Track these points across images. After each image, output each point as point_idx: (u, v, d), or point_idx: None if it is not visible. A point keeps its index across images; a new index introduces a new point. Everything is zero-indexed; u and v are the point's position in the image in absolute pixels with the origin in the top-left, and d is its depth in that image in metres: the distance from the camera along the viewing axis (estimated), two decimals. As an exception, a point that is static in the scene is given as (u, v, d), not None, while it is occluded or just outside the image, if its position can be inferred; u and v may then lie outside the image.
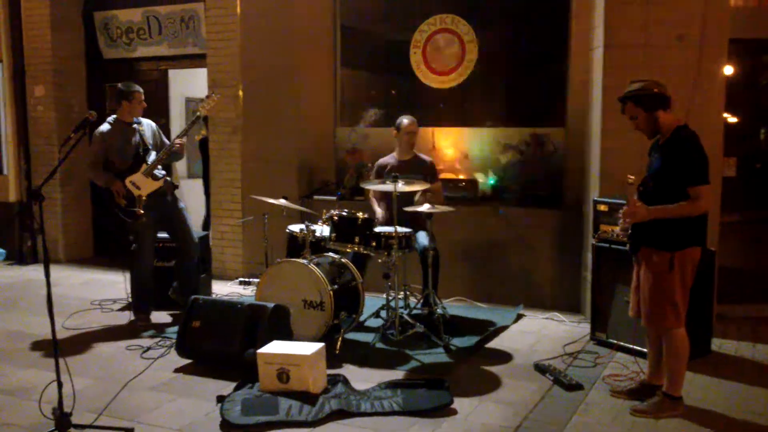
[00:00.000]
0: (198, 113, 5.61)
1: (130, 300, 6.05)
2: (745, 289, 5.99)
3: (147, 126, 5.66)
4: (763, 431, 3.72)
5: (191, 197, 9.00)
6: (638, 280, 3.98)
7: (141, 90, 5.59)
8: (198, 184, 8.93)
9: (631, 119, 3.89)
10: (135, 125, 5.56)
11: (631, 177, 3.83)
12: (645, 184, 3.89)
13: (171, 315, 5.84)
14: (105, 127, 5.51)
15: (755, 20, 5.80)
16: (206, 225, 8.11)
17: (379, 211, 5.82)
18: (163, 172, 5.63)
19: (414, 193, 5.45)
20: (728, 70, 5.55)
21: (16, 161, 8.39)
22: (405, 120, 5.78)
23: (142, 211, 5.41)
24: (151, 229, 5.63)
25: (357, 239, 5.10)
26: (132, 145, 5.51)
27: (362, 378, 4.34)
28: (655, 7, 5.29)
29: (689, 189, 3.68)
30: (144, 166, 5.45)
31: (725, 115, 5.57)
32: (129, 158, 5.47)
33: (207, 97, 5.70)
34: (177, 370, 4.55)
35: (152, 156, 5.51)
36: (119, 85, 5.63)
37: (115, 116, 5.56)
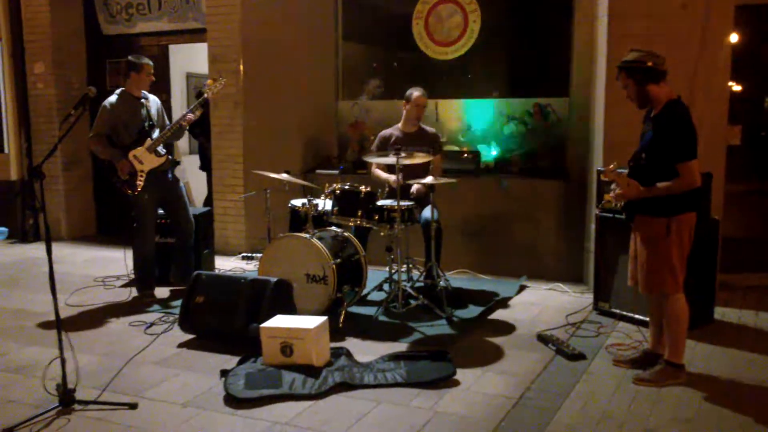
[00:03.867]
0: (205, 96, 5.57)
1: (132, 277, 6.06)
2: (748, 258, 5.97)
3: (153, 102, 5.61)
4: (765, 397, 3.72)
5: (194, 174, 8.99)
6: (636, 248, 3.97)
7: (151, 63, 5.54)
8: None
9: (623, 87, 3.89)
10: (143, 100, 5.52)
11: (609, 168, 3.78)
12: (637, 158, 3.87)
13: (171, 291, 5.84)
14: (113, 98, 5.43)
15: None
16: (208, 201, 8.09)
17: (392, 177, 5.51)
18: (165, 150, 5.61)
19: (419, 165, 5.38)
20: (734, 37, 5.47)
21: (16, 139, 8.36)
22: (416, 92, 5.68)
23: (141, 184, 5.40)
24: (152, 205, 5.60)
25: (359, 213, 5.09)
26: (138, 119, 5.46)
27: (365, 351, 4.35)
28: (660, -25, 5.22)
29: (677, 165, 3.67)
30: (148, 141, 5.42)
31: (730, 83, 5.50)
32: (134, 132, 5.43)
33: (213, 80, 5.66)
34: (180, 345, 4.56)
35: (156, 132, 5.49)
36: (130, 57, 5.54)
37: (123, 89, 5.49)
